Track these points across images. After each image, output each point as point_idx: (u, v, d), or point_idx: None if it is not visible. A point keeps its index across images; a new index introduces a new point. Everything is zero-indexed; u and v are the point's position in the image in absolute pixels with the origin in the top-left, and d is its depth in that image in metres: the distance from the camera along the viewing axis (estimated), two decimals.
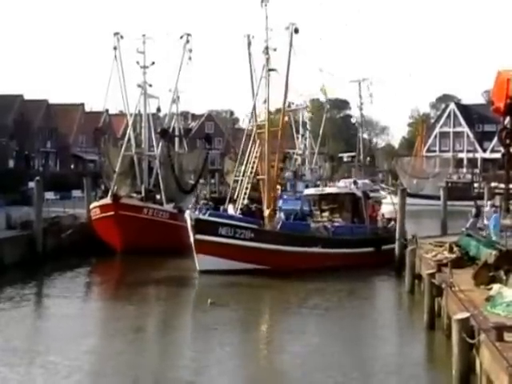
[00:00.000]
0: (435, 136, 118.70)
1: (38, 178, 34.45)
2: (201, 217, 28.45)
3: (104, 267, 33.98)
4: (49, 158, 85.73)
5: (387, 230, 34.01)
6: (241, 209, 30.96)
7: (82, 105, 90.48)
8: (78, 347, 17.73)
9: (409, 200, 33.61)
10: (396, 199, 33.11)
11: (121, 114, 66.78)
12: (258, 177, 31.88)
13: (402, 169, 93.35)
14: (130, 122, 40.50)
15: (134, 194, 38.75)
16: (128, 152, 39.86)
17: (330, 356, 17.23)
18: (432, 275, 19.78)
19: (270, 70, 31.24)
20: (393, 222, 34.56)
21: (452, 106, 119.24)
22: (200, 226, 28.16)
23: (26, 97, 78.75)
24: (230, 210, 31.12)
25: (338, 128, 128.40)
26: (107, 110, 76.60)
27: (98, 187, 43.32)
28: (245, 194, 31.75)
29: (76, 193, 51.74)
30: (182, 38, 40.42)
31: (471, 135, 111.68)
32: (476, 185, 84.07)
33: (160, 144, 40.64)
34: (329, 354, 17.43)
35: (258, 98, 32.19)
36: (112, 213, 35.18)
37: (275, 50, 31.11)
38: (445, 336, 17.69)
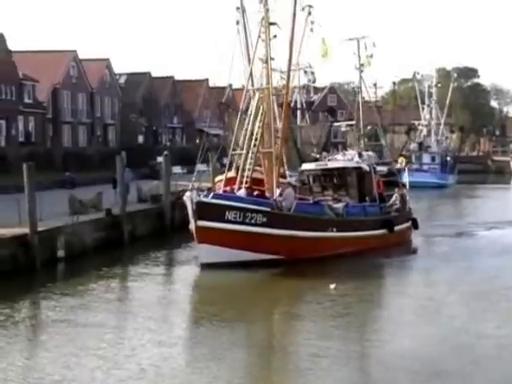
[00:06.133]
0: None
1: (166, 152, 35.55)
2: (203, 199, 24.02)
3: None
4: (175, 133, 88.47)
5: (395, 209, 30.67)
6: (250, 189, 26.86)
7: (207, 80, 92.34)
8: (200, 315, 18.38)
9: None
10: None
11: (244, 88, 67.56)
12: (261, 150, 27.88)
13: None
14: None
15: (258, 168, 39.19)
16: None
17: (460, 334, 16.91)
18: None
19: (270, 23, 27.46)
20: (393, 198, 31.17)
21: None
22: (203, 210, 23.70)
23: (154, 74, 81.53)
24: (242, 193, 26.59)
25: (466, 97, 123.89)
26: (231, 85, 77.77)
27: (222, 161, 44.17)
28: (249, 170, 27.28)
29: (201, 167, 53.01)
30: (303, 9, 40.15)
31: None
32: None
33: (282, 117, 40.77)
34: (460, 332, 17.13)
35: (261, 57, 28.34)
36: (236, 186, 35.77)
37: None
38: None
